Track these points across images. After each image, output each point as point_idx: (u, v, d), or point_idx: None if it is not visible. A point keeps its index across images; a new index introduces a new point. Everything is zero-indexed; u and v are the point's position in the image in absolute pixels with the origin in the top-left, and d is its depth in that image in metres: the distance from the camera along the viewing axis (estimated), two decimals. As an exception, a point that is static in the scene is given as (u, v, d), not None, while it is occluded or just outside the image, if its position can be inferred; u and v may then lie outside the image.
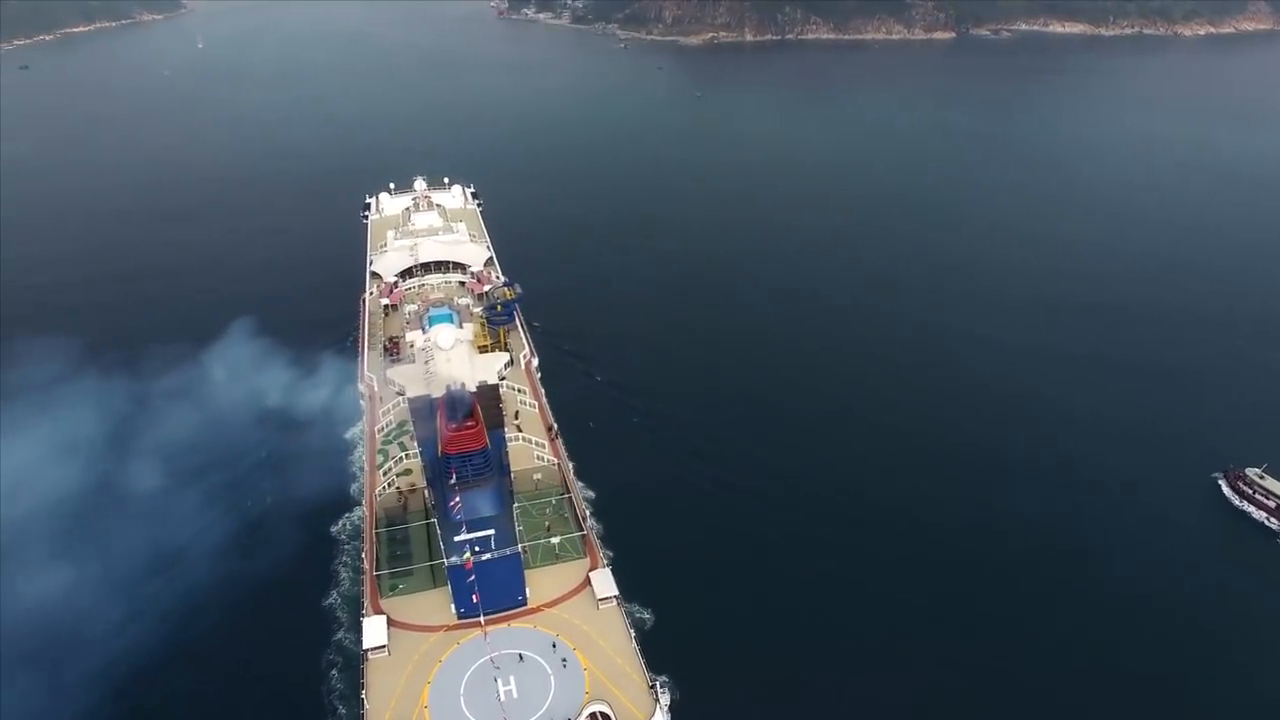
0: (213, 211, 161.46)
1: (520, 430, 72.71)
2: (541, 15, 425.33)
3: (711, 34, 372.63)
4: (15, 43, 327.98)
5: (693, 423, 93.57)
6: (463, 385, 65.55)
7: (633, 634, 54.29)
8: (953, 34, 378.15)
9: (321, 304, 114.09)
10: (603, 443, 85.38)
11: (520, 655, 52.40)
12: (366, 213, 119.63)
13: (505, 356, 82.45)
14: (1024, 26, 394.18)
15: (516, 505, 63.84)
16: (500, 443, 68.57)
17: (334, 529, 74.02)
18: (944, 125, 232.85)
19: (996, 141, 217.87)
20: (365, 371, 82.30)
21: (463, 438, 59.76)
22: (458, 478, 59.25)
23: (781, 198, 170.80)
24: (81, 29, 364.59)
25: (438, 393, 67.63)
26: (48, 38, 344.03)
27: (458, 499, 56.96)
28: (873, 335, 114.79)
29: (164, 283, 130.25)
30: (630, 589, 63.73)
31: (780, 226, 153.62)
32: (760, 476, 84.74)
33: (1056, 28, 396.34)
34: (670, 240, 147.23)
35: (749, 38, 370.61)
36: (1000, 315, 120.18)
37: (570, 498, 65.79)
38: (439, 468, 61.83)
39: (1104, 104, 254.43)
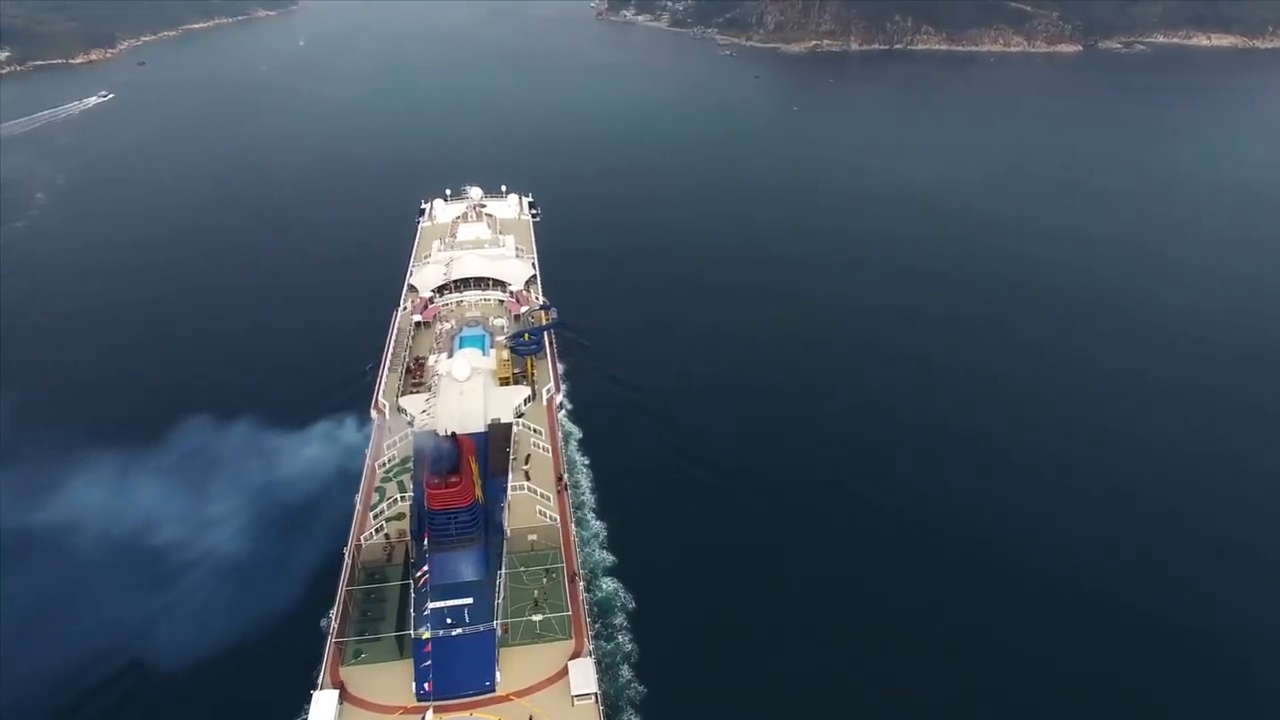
0: (276, 210, 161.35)
1: (528, 479, 65.79)
2: (640, 17, 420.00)
3: (815, 42, 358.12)
4: (142, 38, 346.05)
5: (765, 496, 78.86)
6: (451, 434, 58.86)
7: (607, 747, 46.54)
8: (1078, 47, 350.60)
9: (369, 317, 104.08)
10: (647, 500, 75.86)
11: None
12: (421, 218, 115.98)
13: (525, 391, 75.68)
14: (1161, 39, 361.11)
15: (506, 570, 56.87)
16: (499, 495, 62.08)
17: (323, 624, 58.53)
18: (1080, 150, 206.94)
19: (1147, 173, 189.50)
20: (379, 396, 77.19)
21: (445, 495, 53.22)
22: (433, 539, 52.71)
23: (884, 230, 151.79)
24: (200, 26, 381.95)
25: (443, 430, 61.66)
26: (170, 34, 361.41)
27: (425, 569, 50.28)
28: (1013, 394, 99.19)
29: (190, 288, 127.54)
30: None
31: (882, 262, 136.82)
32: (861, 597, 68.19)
33: (1200, 40, 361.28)
34: (744, 268, 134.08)
35: (854, 46, 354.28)
36: (1167, 364, 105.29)
37: (566, 566, 58.33)
38: (423, 522, 55.62)
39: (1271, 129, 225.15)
